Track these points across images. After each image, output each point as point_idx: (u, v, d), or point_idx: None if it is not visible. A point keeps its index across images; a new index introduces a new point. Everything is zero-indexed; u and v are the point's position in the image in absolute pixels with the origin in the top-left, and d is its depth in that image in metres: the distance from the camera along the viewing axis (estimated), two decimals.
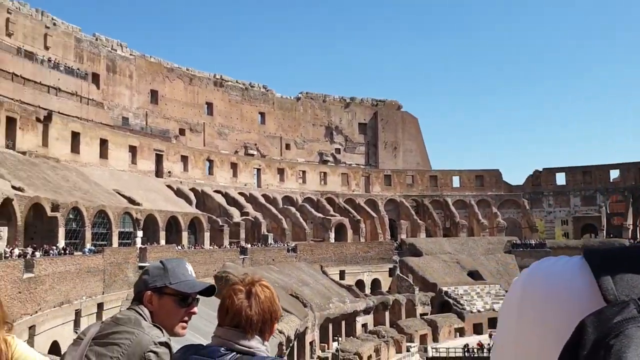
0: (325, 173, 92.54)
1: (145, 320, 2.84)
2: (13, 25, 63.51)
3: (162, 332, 2.84)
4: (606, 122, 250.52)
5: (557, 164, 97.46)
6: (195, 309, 3.04)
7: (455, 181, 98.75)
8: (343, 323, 55.95)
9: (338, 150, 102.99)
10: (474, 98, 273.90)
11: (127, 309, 2.96)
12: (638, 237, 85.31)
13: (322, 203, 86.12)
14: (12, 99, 55.63)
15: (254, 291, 2.65)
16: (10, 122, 51.58)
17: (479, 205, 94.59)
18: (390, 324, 62.30)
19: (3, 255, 33.68)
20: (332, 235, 78.43)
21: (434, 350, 57.53)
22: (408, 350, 56.06)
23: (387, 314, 63.31)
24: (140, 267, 44.31)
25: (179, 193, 70.12)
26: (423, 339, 60.94)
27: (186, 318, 3.00)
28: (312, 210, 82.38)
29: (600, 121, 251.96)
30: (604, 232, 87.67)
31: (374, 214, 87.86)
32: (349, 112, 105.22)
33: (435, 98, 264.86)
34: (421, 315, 66.41)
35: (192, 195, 71.48)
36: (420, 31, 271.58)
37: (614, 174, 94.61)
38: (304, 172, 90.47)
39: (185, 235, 60.86)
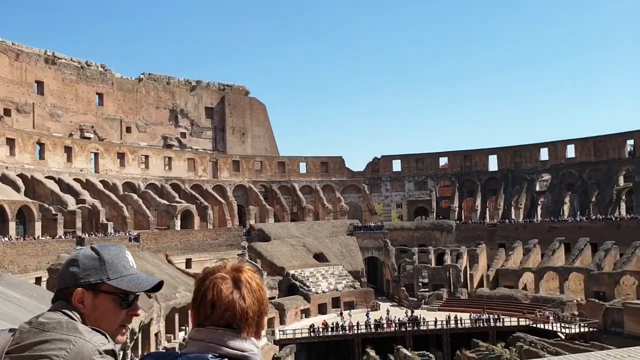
0: (170, 158, 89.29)
1: (81, 324, 2.21)
2: None
3: (107, 337, 2.23)
4: (436, 113, 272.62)
5: (394, 152, 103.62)
6: (138, 311, 2.44)
7: (302, 167, 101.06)
8: (190, 312, 54.63)
9: (184, 135, 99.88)
10: (320, 86, 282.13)
11: (51, 310, 2.27)
12: (463, 218, 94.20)
13: (166, 189, 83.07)
14: None
15: (243, 278, 2.16)
16: None
17: (324, 190, 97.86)
18: None
19: None
20: (178, 222, 76.09)
21: (281, 332, 58.55)
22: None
23: None
24: None
25: (4, 179, 63.45)
26: (271, 322, 61.66)
27: (128, 321, 2.41)
28: (156, 197, 79.14)
29: (432, 112, 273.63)
30: (434, 214, 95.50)
31: (222, 200, 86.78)
32: (195, 96, 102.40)
33: (283, 85, 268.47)
34: (269, 299, 67.18)
35: (19, 182, 65.08)
36: (268, 16, 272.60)
37: (443, 161, 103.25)
38: (146, 156, 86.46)
39: (12, 225, 55.40)
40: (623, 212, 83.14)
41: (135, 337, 40.92)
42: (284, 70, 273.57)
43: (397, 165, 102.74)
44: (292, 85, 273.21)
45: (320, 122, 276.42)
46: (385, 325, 59.54)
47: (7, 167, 66.18)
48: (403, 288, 75.61)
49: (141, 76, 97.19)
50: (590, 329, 54.88)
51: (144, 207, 75.29)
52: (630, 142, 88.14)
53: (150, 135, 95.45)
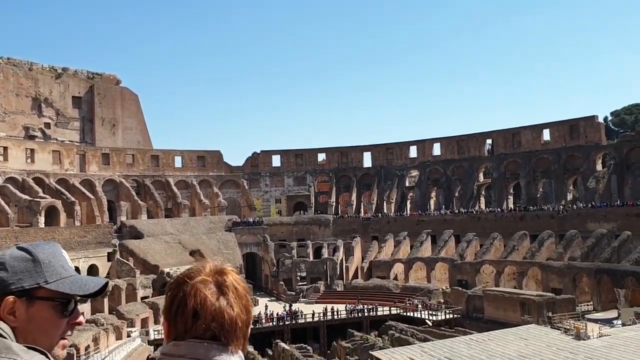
0: (32, 150, 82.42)
1: (12, 341, 1.80)
2: None
3: (48, 357, 1.83)
4: (315, 109, 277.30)
5: (273, 147, 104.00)
6: (81, 318, 2.04)
7: (178, 161, 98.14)
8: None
9: (48, 125, 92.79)
10: (197, 78, 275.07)
11: None
12: (339, 212, 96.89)
13: (28, 184, 76.66)
14: None
15: (229, 282, 1.87)
16: None
17: (200, 185, 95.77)
18: (110, 311, 59.21)
19: None
20: (42, 219, 70.63)
21: (156, 332, 56.52)
22: (129, 336, 53.99)
23: (106, 300, 59.89)
24: None
25: None
26: (144, 322, 59.47)
27: (69, 332, 2.02)
28: (17, 192, 72.84)
29: (311, 108, 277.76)
30: (313, 209, 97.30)
31: (90, 195, 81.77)
32: (60, 84, 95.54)
33: (156, 75, 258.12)
34: (142, 298, 64.71)
35: None
36: (140, 1, 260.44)
37: (321, 157, 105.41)
38: (5, 148, 79.17)
39: None
40: (482, 206, 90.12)
41: None
42: (159, 60, 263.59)
43: (276, 161, 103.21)
44: (168, 76, 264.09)
45: (197, 115, 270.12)
46: (263, 321, 59.66)
47: None
48: (282, 282, 76.24)
49: None
50: (455, 316, 58.92)
51: (2, 203, 69.08)
52: (489, 141, 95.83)
53: (9, 125, 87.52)
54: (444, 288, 68.86)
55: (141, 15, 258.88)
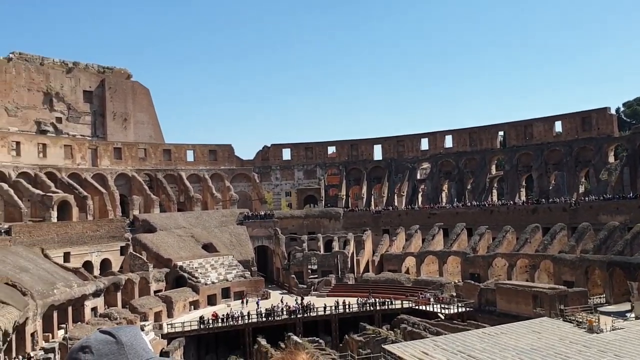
0: (44, 145, 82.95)
1: None
2: None
3: None
4: (325, 102, 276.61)
5: (284, 140, 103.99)
6: None
7: (190, 155, 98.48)
8: (70, 309, 51.62)
9: (59, 120, 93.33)
10: (209, 73, 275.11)
11: None
12: (350, 205, 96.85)
13: (41, 178, 77.23)
14: None
15: None
16: None
17: (212, 179, 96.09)
18: (123, 305, 59.76)
19: None
20: (55, 214, 71.16)
21: (169, 326, 57.00)
22: (142, 329, 54.43)
23: (119, 294, 60.49)
24: None
25: None
26: (158, 316, 59.90)
27: None
28: (29, 187, 73.40)
29: (321, 101, 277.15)
30: (323, 202, 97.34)
31: (103, 190, 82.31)
32: (72, 78, 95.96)
33: (168, 69, 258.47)
34: (155, 292, 65.16)
35: None
36: None
37: (331, 149, 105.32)
38: (17, 143, 79.71)
39: None
40: (495, 199, 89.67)
41: (8, 339, 37.84)
42: (170, 55, 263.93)
43: (287, 154, 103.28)
44: (179, 71, 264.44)
45: (208, 109, 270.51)
46: (283, 312, 59.86)
47: None
48: (293, 275, 76.48)
49: (11, 55, 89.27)
50: (467, 309, 58.83)
51: (15, 197, 69.63)
52: (502, 133, 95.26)
53: (21, 120, 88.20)
54: (456, 281, 68.77)
55: (151, 10, 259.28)
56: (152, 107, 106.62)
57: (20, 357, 40.49)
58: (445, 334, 41.30)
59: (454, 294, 63.73)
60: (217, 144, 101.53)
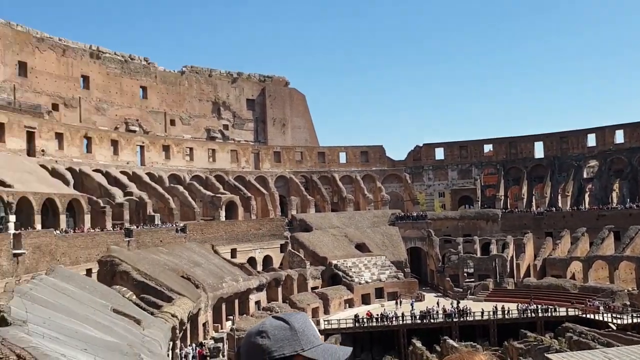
0: (213, 150, 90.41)
1: None
2: None
3: None
4: (480, 99, 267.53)
5: (436, 140, 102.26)
6: None
7: (342, 157, 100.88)
8: (236, 302, 55.56)
9: (226, 127, 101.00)
10: (360, 75, 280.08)
11: None
12: (508, 206, 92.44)
13: (211, 181, 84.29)
14: None
15: None
16: None
17: (364, 180, 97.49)
18: (283, 300, 62.88)
19: None
20: (223, 213, 77.18)
21: (325, 322, 58.80)
22: None
23: (279, 290, 63.78)
24: (15, 255, 40.76)
25: (54, 173, 65.18)
26: (315, 312, 62.12)
27: None
28: (201, 189, 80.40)
29: (475, 98, 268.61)
30: (479, 203, 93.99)
31: (264, 191, 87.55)
32: (236, 88, 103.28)
33: (322, 75, 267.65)
34: (312, 289, 67.68)
35: (68, 175, 66.74)
36: (307, 7, 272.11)
37: (487, 148, 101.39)
38: (191, 149, 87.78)
39: (63, 218, 56.81)
40: None
41: (184, 328, 41.75)
42: (324, 61, 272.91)
43: (439, 154, 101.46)
44: (332, 75, 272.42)
45: (360, 111, 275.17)
46: (439, 314, 58.99)
47: (56, 161, 68.01)
48: (448, 278, 74.87)
49: (183, 69, 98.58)
50: None
51: (189, 198, 76.57)
52: None
53: (194, 128, 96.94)
54: (630, 289, 62.57)
55: (306, 20, 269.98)
56: (308, 112, 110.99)
57: (194, 344, 44.38)
58: (618, 346, 37.74)
59: (628, 302, 58.01)
60: (368, 145, 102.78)
